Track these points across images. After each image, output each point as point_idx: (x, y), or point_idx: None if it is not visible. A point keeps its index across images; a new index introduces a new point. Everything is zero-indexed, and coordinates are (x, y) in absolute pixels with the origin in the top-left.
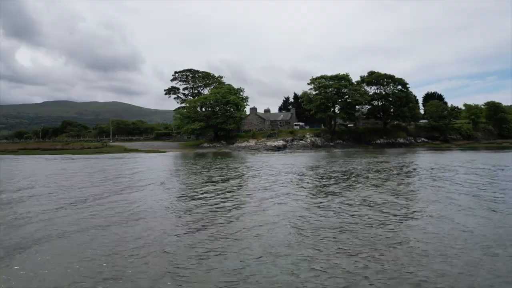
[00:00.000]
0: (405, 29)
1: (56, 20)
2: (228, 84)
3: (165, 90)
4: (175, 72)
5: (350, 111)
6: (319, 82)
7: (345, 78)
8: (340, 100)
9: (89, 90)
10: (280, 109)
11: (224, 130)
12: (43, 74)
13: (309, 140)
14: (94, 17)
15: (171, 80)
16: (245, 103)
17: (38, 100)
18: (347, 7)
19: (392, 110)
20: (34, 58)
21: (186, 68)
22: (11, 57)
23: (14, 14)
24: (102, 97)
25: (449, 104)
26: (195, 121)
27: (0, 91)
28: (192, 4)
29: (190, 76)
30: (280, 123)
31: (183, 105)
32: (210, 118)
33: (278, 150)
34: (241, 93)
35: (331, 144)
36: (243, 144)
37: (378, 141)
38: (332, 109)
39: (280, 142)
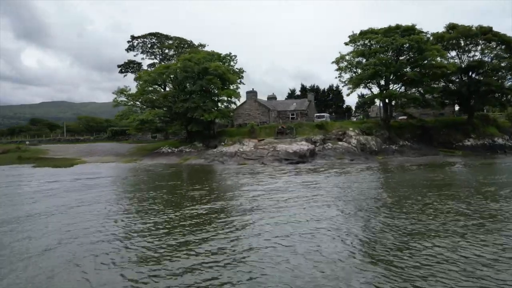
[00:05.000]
0: None
1: (65, 22)
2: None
3: (119, 66)
4: (133, 38)
5: (426, 88)
6: (369, 38)
7: (412, 30)
8: (406, 68)
9: (93, 91)
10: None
11: (199, 124)
12: (48, 75)
13: (354, 141)
14: (103, 19)
15: (127, 50)
16: (238, 79)
17: (39, 101)
18: (349, 8)
19: (486, 89)
20: (40, 60)
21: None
22: (17, 58)
23: (24, 17)
24: (106, 98)
25: None
26: (153, 108)
27: (3, 92)
28: (193, 4)
29: (156, 43)
30: (292, 114)
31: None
32: (176, 102)
33: (303, 162)
34: (232, 63)
35: (393, 147)
36: (233, 149)
37: (467, 143)
38: (391, 85)
39: (303, 145)
